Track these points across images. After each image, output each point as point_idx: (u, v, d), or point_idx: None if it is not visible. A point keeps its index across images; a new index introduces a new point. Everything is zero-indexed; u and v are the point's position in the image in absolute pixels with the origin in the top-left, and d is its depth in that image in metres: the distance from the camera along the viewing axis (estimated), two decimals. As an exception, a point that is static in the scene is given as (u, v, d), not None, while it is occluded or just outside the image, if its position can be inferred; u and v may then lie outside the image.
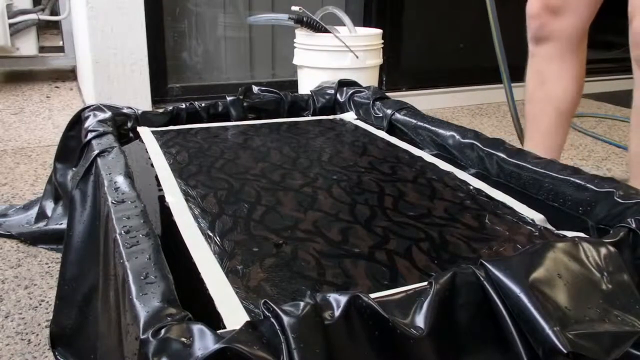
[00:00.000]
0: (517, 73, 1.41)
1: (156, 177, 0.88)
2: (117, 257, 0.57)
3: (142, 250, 0.56)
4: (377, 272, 0.62)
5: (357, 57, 1.81)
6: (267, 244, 0.67)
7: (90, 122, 1.02)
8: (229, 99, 1.25)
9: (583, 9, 1.18)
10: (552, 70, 1.26)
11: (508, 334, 0.50)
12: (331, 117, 1.30)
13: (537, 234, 0.72)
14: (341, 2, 2.41)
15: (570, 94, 1.26)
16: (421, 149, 1.08)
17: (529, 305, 0.48)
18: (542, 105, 1.28)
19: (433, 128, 1.08)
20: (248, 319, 0.49)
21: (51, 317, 0.87)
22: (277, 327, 0.43)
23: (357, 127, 1.22)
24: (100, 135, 0.94)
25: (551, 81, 1.27)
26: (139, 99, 1.98)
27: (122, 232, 0.60)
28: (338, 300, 0.46)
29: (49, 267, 1.09)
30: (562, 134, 1.30)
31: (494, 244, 0.70)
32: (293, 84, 2.05)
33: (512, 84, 1.46)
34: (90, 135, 0.95)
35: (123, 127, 1.11)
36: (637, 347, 0.53)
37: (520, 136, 1.51)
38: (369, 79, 1.86)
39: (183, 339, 0.42)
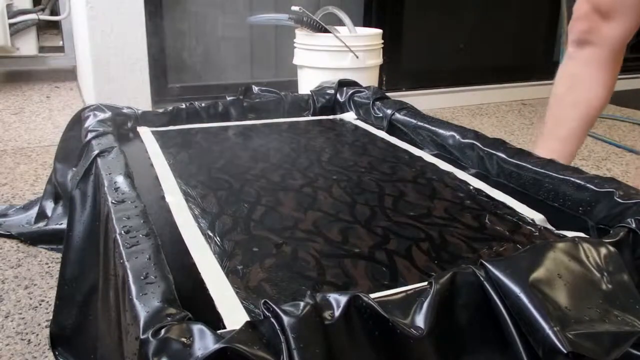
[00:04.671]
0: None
1: (156, 177, 0.88)
2: (117, 257, 0.57)
3: (142, 250, 0.56)
4: (377, 272, 0.62)
5: (357, 57, 1.81)
6: (267, 244, 0.67)
7: (90, 122, 1.01)
8: (229, 99, 1.25)
9: (633, 16, 1.12)
10: (587, 76, 1.19)
11: (508, 334, 0.50)
12: (331, 117, 1.30)
13: (537, 234, 0.72)
14: (341, 2, 2.41)
15: (599, 102, 1.19)
16: (421, 149, 1.08)
17: (529, 305, 0.48)
18: (569, 110, 1.21)
19: (433, 128, 1.08)
20: (248, 319, 0.49)
21: (51, 317, 0.87)
22: (277, 327, 0.43)
23: (357, 127, 1.22)
24: (100, 135, 0.94)
25: (584, 86, 1.20)
26: (139, 99, 1.98)
27: (122, 232, 0.60)
28: (338, 300, 0.46)
29: (49, 267, 1.09)
30: (581, 142, 1.23)
31: (494, 244, 0.70)
32: (293, 84, 2.05)
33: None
34: (90, 135, 0.95)
35: (123, 127, 1.11)
36: (637, 347, 0.53)
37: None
38: (369, 79, 1.87)
39: (183, 339, 0.42)
